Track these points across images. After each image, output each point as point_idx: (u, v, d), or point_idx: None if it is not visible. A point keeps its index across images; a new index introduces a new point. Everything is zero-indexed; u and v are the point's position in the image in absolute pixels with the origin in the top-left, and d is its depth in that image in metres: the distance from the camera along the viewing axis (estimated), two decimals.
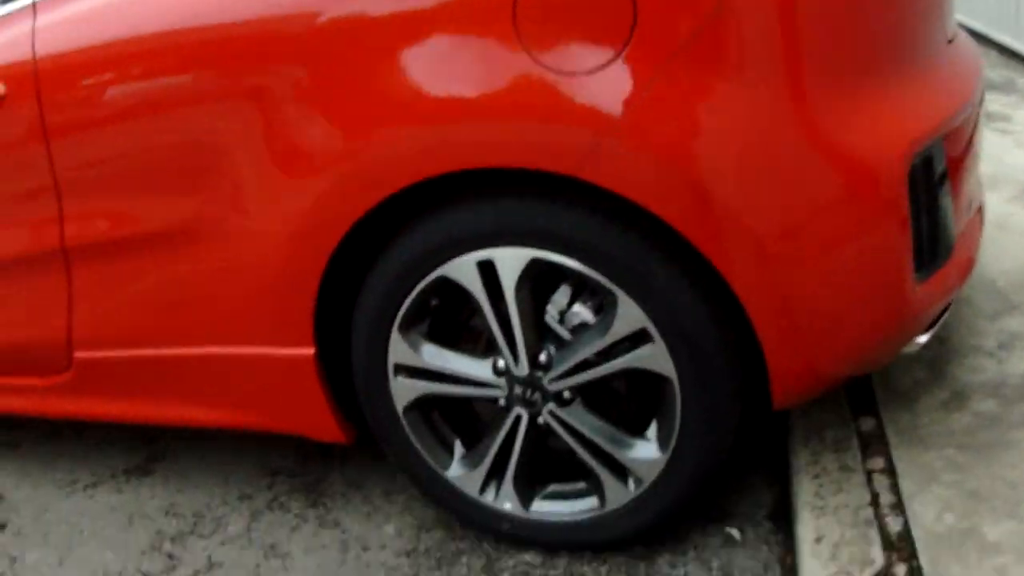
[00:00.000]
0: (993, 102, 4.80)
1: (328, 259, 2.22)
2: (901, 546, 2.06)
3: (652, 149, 1.91)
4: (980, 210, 2.56)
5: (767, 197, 1.93)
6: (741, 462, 2.60)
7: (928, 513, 2.12)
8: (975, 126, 2.35)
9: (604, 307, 2.13)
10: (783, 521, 2.38)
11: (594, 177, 1.97)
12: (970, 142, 2.30)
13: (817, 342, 2.05)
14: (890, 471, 2.27)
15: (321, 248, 2.20)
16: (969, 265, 2.33)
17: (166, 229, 2.42)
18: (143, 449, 3.08)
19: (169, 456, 3.02)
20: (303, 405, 2.44)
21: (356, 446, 2.66)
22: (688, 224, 1.95)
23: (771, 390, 2.12)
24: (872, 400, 2.53)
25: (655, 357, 2.09)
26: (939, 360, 2.63)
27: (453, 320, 2.35)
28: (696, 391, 2.09)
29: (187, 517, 2.73)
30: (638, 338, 2.10)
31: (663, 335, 2.07)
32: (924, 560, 2.00)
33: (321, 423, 2.45)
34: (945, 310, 2.31)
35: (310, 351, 2.35)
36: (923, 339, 2.25)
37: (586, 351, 2.13)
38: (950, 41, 2.42)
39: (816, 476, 2.30)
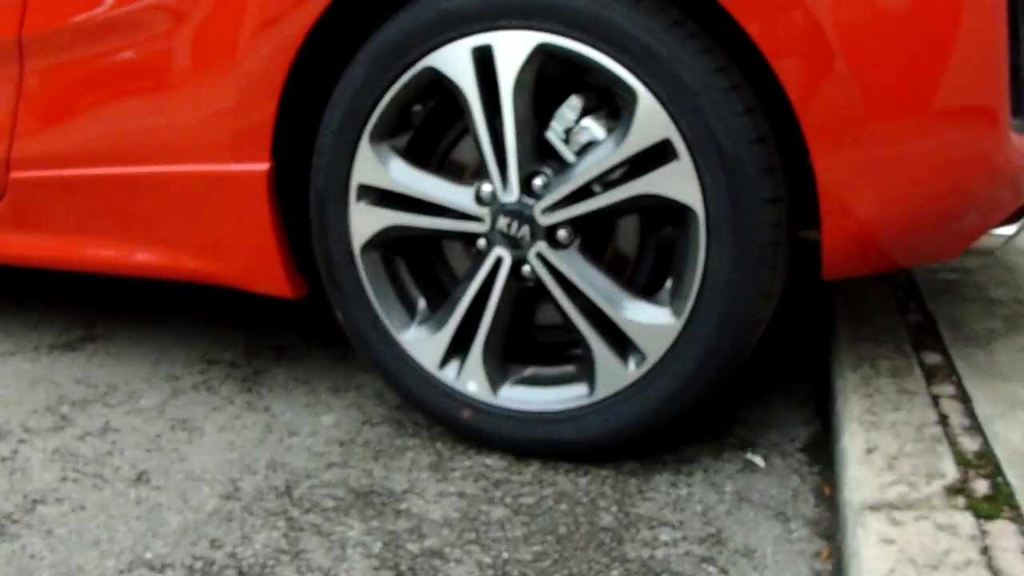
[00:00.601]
0: None
1: (296, 50, 1.78)
2: (980, 464, 1.53)
3: None
4: None
5: None
6: (772, 379, 2.06)
7: (1013, 435, 1.60)
8: None
9: (620, 115, 1.64)
10: (821, 452, 1.85)
11: None
12: None
13: (889, 189, 1.55)
14: (962, 398, 1.77)
15: (288, 39, 1.79)
16: None
17: (126, 17, 1.99)
18: (79, 329, 2.62)
19: (104, 337, 2.56)
20: (251, 241, 1.97)
21: (309, 347, 2.21)
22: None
23: (822, 246, 1.61)
24: (938, 339, 2.00)
25: (677, 180, 1.60)
26: (1017, 316, 2.11)
27: (434, 145, 1.87)
28: (727, 230, 1.59)
29: (98, 387, 2.25)
30: (658, 154, 1.61)
31: (691, 150, 1.59)
32: (1012, 476, 1.46)
33: (268, 266, 1.97)
34: None
35: (264, 166, 1.88)
36: (1007, 230, 1.73)
37: (592, 171, 1.64)
38: None
39: (869, 395, 1.78)
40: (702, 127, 1.56)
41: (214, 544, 1.64)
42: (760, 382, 2.07)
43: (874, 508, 1.42)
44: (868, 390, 1.79)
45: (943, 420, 1.67)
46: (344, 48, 1.82)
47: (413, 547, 1.60)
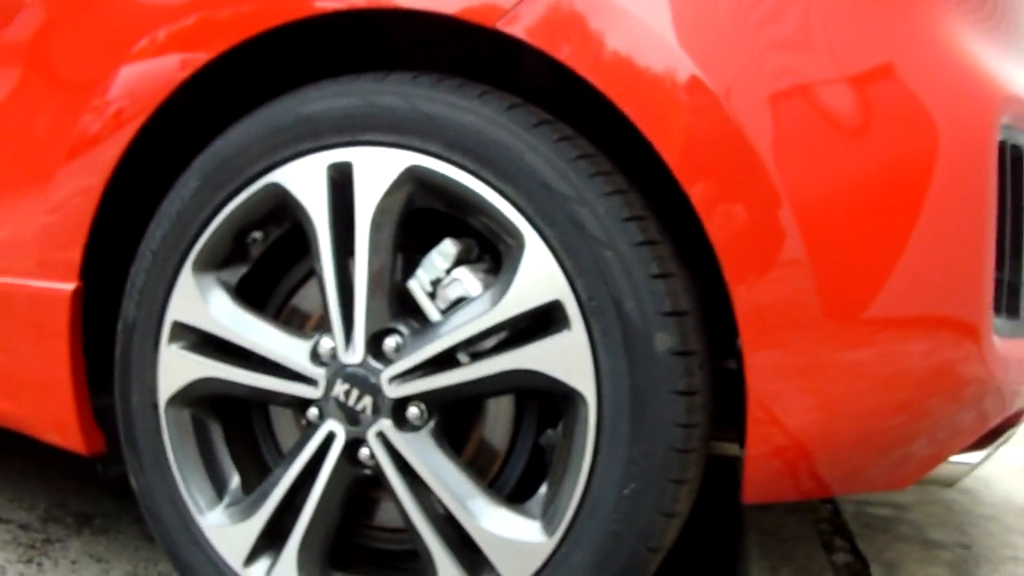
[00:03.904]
0: None
1: (116, 162, 1.31)
2: None
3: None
4: None
5: (795, 124, 1.05)
6: None
7: None
8: None
9: (501, 265, 1.17)
10: None
11: (530, 36, 1.09)
12: None
13: (827, 392, 1.07)
14: None
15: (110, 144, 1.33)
16: None
17: None
18: None
19: None
20: (43, 377, 1.44)
21: (119, 520, 1.70)
22: (669, 141, 1.06)
23: (744, 461, 1.12)
24: None
25: (566, 356, 1.11)
26: (963, 564, 1.62)
27: (273, 286, 1.38)
28: (623, 427, 1.10)
29: None
30: (545, 320, 1.12)
31: (586, 318, 1.11)
32: None
33: (60, 410, 1.43)
34: (1004, 429, 1.33)
35: (70, 286, 1.37)
36: (971, 458, 1.26)
37: (460, 333, 1.15)
38: None
39: None
40: (604, 289, 1.09)
41: None
42: None
43: None
44: None
45: None
46: (182, 154, 1.34)
47: None
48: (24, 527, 1.76)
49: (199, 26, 1.29)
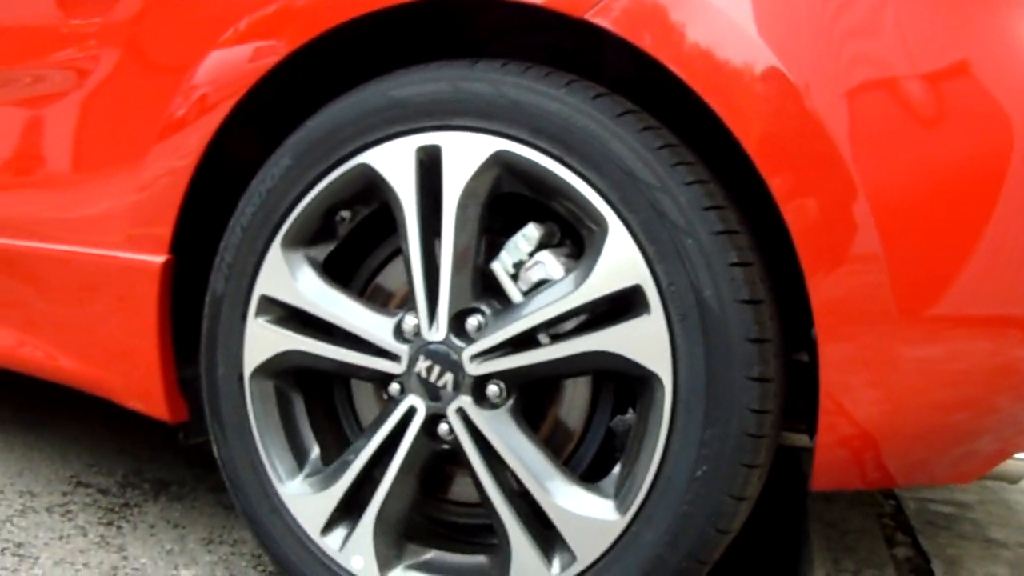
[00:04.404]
0: None
1: (208, 141, 1.39)
2: None
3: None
4: None
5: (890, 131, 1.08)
6: None
7: None
8: None
9: (583, 252, 1.22)
10: None
11: (617, 27, 1.13)
12: None
13: (896, 385, 1.11)
14: None
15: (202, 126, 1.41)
16: None
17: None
18: None
19: None
20: (132, 346, 1.52)
21: (195, 488, 1.76)
22: (750, 130, 1.11)
23: (815, 450, 1.16)
24: None
25: (645, 340, 1.16)
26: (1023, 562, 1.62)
27: (359, 263, 1.44)
28: (698, 410, 1.14)
29: None
30: (625, 305, 1.17)
31: (666, 303, 1.15)
32: None
33: (146, 379, 1.51)
34: None
35: (160, 259, 1.45)
36: None
37: (541, 315, 1.21)
38: None
39: None
40: (684, 275, 1.13)
41: None
42: None
43: None
44: None
45: None
46: (275, 131, 1.41)
47: None
48: (103, 491, 1.85)
49: (281, 15, 1.35)
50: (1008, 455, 1.27)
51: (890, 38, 1.10)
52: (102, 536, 1.65)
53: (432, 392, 1.29)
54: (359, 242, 1.43)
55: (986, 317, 1.12)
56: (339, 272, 1.42)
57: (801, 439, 1.39)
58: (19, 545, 1.58)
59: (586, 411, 1.35)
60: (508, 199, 1.30)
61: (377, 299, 1.45)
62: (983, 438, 1.22)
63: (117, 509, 1.77)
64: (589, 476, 1.31)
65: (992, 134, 1.09)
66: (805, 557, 1.60)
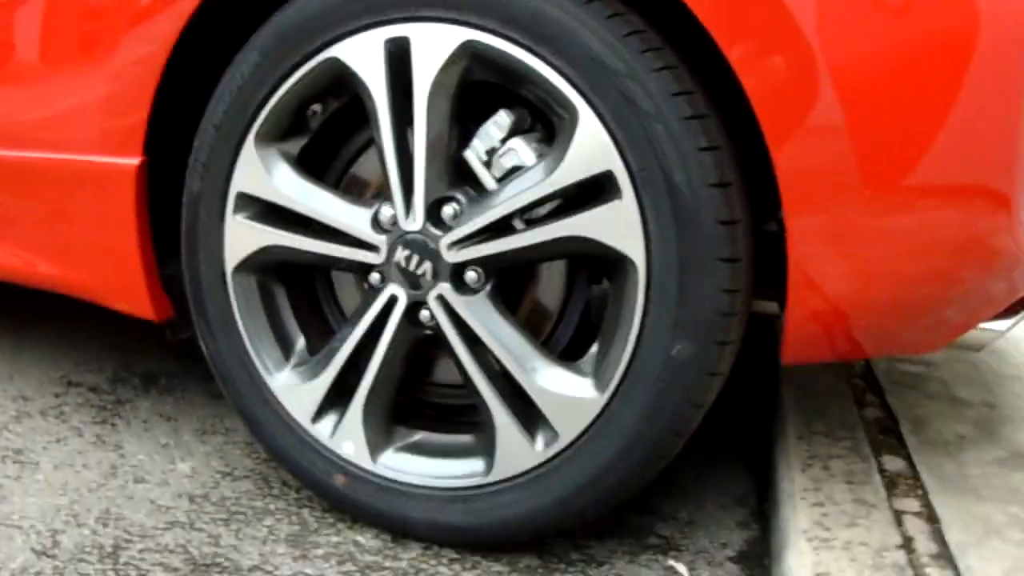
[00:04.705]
0: None
1: (176, 38, 1.38)
2: None
3: None
4: None
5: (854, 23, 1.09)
6: (705, 467, 1.65)
7: (991, 571, 1.18)
8: None
9: (554, 137, 1.24)
10: (757, 565, 1.43)
11: None
12: None
13: (864, 258, 1.16)
14: (930, 517, 1.36)
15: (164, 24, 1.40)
16: None
17: None
18: None
19: None
20: (112, 248, 1.55)
21: (184, 379, 1.80)
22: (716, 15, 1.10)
23: (785, 325, 1.21)
24: (901, 443, 1.60)
25: (617, 224, 1.20)
26: (989, 422, 1.73)
27: (334, 155, 1.46)
28: (671, 291, 1.19)
29: None
30: (597, 189, 1.21)
31: (637, 188, 1.18)
32: None
33: (129, 280, 1.55)
34: None
35: (134, 161, 1.46)
36: (999, 326, 1.35)
37: (516, 201, 1.24)
38: None
39: (819, 504, 1.37)
40: (654, 160, 1.17)
41: None
42: (691, 470, 1.66)
43: None
44: (819, 497, 1.39)
45: (907, 544, 1.28)
46: (241, 29, 1.41)
47: None
48: (94, 389, 1.90)
49: None
50: (973, 325, 1.33)
51: None
52: (98, 435, 1.71)
53: (412, 280, 1.33)
54: (333, 133, 1.45)
55: (951, 188, 1.16)
56: (314, 164, 1.45)
57: (772, 307, 1.44)
58: (18, 452, 1.64)
59: (563, 290, 1.40)
60: (479, 86, 1.31)
61: (353, 189, 1.48)
62: (949, 309, 1.28)
63: (110, 407, 1.83)
64: (568, 354, 1.36)
65: (959, 9, 1.11)
66: (779, 420, 1.69)
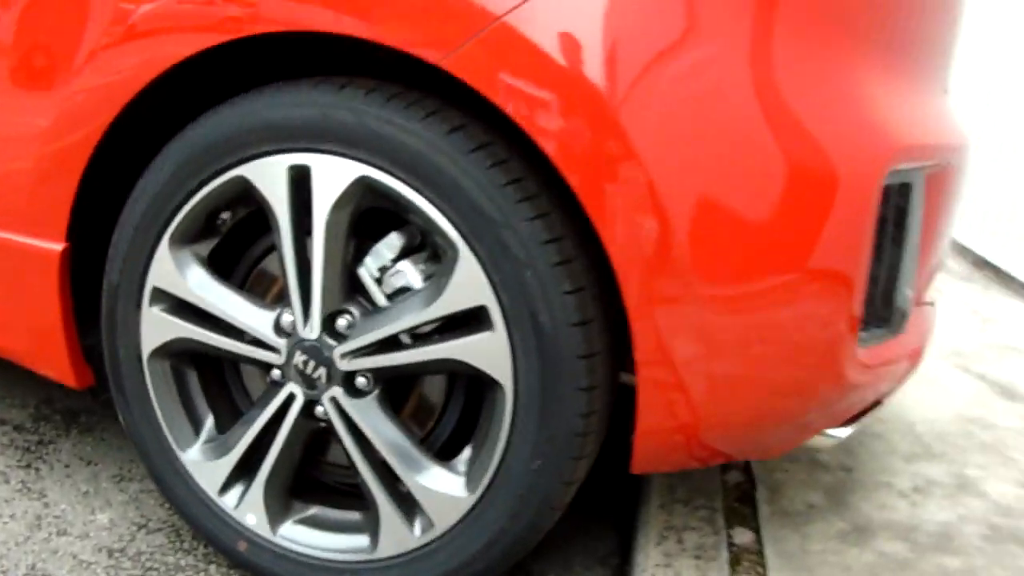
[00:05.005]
0: None
1: (98, 139, 1.51)
2: None
3: (564, 53, 1.23)
4: (933, 307, 1.89)
5: (693, 165, 1.25)
6: (576, 525, 1.84)
7: None
8: (956, 189, 1.69)
9: (439, 270, 1.40)
10: None
11: (467, 75, 1.27)
12: (948, 200, 1.64)
13: (717, 385, 1.34)
14: None
15: (88, 126, 1.53)
16: (917, 357, 1.66)
17: None
18: None
19: None
20: (36, 322, 1.68)
21: (103, 418, 1.91)
22: (581, 174, 1.25)
23: (634, 442, 1.39)
24: (753, 513, 1.80)
25: (490, 352, 1.36)
26: (842, 489, 1.93)
27: (242, 253, 1.61)
28: (534, 414, 1.36)
29: None
30: (473, 320, 1.36)
31: (508, 324, 1.34)
32: None
33: (52, 351, 1.67)
34: (870, 408, 1.62)
35: (58, 247, 1.59)
36: (840, 433, 1.56)
37: (400, 322, 1.39)
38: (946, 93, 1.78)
39: None
40: (523, 301, 1.33)
41: None
42: (563, 528, 1.85)
43: None
44: (668, 573, 1.58)
45: None
46: (160, 133, 1.54)
47: None
48: (19, 428, 2.04)
49: (156, 37, 1.46)
50: (817, 432, 1.53)
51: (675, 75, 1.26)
52: (23, 482, 1.86)
53: (308, 382, 1.49)
54: (242, 234, 1.59)
55: (792, 341, 1.35)
56: (225, 260, 1.59)
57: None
58: None
59: (446, 390, 1.56)
60: (376, 208, 1.46)
61: (261, 282, 1.62)
62: (783, 432, 1.47)
63: (33, 448, 1.97)
64: (446, 451, 1.54)
65: (812, 182, 1.28)
66: (645, 482, 1.88)
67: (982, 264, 4.58)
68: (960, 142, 1.64)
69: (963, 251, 4.87)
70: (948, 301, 3.85)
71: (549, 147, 1.26)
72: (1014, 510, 1.99)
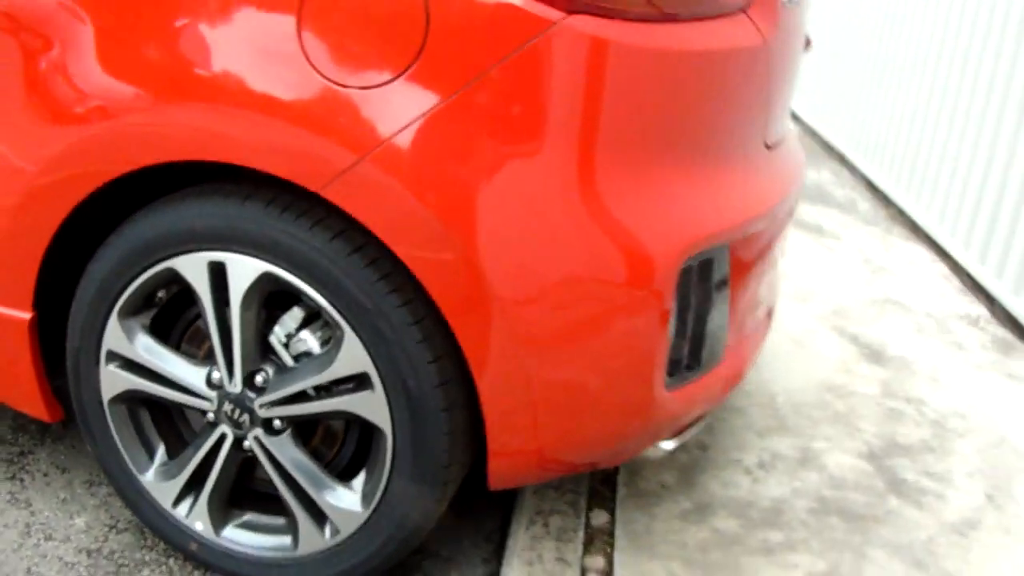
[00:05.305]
0: (832, 219, 4.64)
1: (54, 233, 1.88)
2: None
3: (408, 183, 1.61)
4: (769, 314, 2.31)
5: (521, 261, 1.64)
6: (468, 503, 2.29)
7: None
8: (779, 233, 2.09)
9: (331, 341, 1.81)
10: None
11: (340, 200, 1.66)
12: (768, 249, 2.04)
13: (546, 425, 1.76)
14: (607, 573, 1.98)
15: (44, 225, 1.87)
16: (736, 378, 2.07)
17: None
18: None
19: None
20: (11, 372, 2.06)
21: (72, 428, 2.29)
22: (429, 272, 1.65)
23: (488, 467, 1.82)
24: (612, 494, 2.24)
25: (372, 406, 1.78)
26: (694, 467, 2.36)
27: (179, 315, 2.00)
28: (408, 453, 1.78)
29: None
30: (359, 381, 1.78)
31: (385, 386, 1.75)
32: None
33: (27, 394, 2.07)
34: (701, 418, 2.04)
35: (26, 316, 1.98)
36: (669, 445, 1.98)
37: (303, 383, 1.80)
38: (770, 146, 2.15)
39: (530, 563, 2.00)
40: (395, 370, 1.74)
41: None
42: (457, 506, 2.28)
43: None
44: (531, 556, 2.03)
45: None
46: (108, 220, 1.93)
47: None
48: (0, 440, 2.45)
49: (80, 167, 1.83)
50: (648, 446, 1.96)
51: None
52: (11, 493, 2.28)
53: (236, 424, 1.91)
54: (178, 302, 1.99)
55: (612, 392, 1.76)
56: (166, 322, 1.99)
57: None
58: None
59: (344, 425, 1.99)
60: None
61: (196, 337, 2.02)
62: (614, 451, 1.90)
63: (16, 459, 2.38)
64: (348, 471, 1.96)
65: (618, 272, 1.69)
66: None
67: (887, 203, 4.92)
68: (770, 203, 2.01)
69: (872, 189, 5.23)
70: (843, 250, 4.23)
71: (405, 258, 1.65)
72: (847, 481, 2.41)
